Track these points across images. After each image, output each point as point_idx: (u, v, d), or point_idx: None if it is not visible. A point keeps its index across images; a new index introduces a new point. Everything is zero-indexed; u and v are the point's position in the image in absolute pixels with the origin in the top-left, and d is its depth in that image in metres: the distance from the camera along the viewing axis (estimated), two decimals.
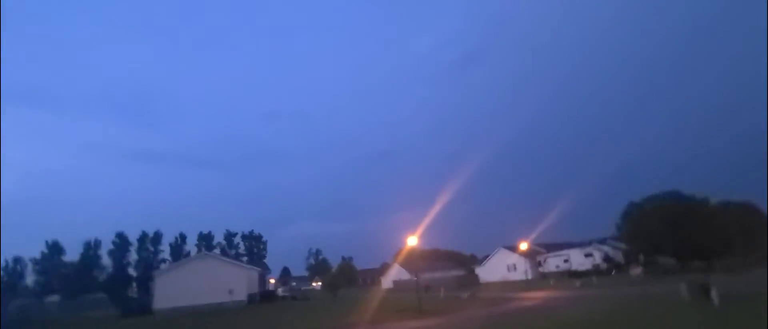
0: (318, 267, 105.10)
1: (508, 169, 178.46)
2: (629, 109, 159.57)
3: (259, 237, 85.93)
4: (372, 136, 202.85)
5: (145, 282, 59.52)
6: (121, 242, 70.48)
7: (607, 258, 40.69)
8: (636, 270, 18.88)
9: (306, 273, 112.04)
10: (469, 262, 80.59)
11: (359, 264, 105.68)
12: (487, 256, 59.24)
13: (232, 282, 31.46)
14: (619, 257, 41.84)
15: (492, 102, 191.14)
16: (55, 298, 59.29)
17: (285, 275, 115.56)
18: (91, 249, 66.94)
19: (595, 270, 39.56)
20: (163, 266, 65.08)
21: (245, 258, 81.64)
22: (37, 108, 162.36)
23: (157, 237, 73.73)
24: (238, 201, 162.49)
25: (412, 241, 24.90)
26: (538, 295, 29.63)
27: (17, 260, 68.41)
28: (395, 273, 71.79)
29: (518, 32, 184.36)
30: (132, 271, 69.15)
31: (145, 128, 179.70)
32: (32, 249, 72.28)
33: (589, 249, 42.91)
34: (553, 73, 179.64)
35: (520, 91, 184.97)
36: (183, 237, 76.15)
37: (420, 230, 26.96)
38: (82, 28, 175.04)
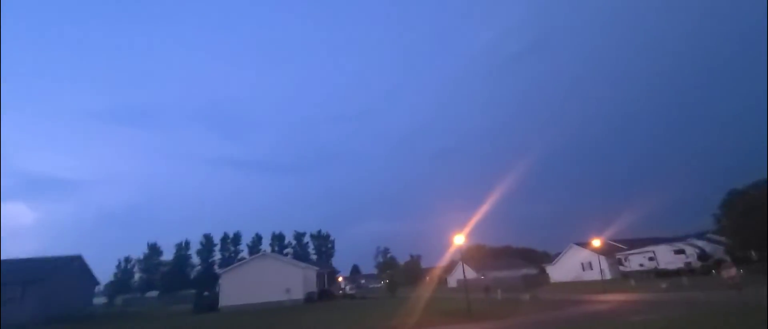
0: (386, 265, 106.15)
1: (585, 161, 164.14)
2: (723, 88, 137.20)
3: (327, 236, 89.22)
4: (437, 132, 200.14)
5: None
6: (207, 242, 78.04)
7: (702, 256, 34.76)
8: (729, 271, 15.48)
9: (375, 271, 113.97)
10: (542, 260, 75.22)
11: (428, 262, 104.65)
12: (559, 254, 54.51)
13: (288, 281, 32.86)
14: (719, 254, 35.54)
15: (559, 92, 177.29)
16: (154, 293, 67.48)
17: (355, 273, 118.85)
18: (182, 250, 75.17)
19: (688, 270, 34.08)
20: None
21: (315, 257, 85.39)
22: (139, 126, 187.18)
23: (237, 238, 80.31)
24: (310, 202, 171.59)
25: (459, 240, 23.47)
26: (611, 299, 26.27)
27: (127, 260, 78.94)
28: (460, 271, 69.74)
29: (582, 18, 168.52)
30: (217, 269, 76.35)
31: (228, 138, 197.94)
32: (140, 250, 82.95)
33: (679, 245, 37.02)
34: (624, 56, 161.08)
35: (589, 78, 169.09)
36: (259, 238, 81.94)
37: (468, 228, 25.39)
38: (169, 52, 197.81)
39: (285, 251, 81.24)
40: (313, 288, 36.04)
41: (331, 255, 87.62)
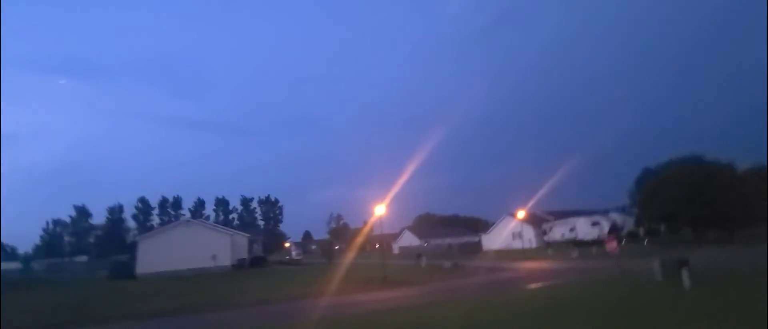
0: (339, 231, 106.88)
1: (535, 134, 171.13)
2: (656, 73, 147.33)
3: (276, 202, 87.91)
4: (399, 101, 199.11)
5: None
6: (144, 206, 74.21)
7: (613, 228, 37.76)
8: (611, 244, 16.68)
9: (327, 237, 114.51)
10: (484, 229, 78.97)
11: (382, 229, 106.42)
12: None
13: (216, 248, 31.96)
14: (630, 226, 38.80)
15: (519, 66, 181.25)
16: (83, 258, 63.77)
17: (306, 239, 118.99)
18: (114, 213, 71.03)
19: (601, 240, 36.95)
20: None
21: (262, 223, 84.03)
22: (72, 78, 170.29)
23: (177, 202, 77.02)
24: (263, 166, 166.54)
25: (380, 210, 23.58)
26: (526, 266, 28.00)
27: (56, 222, 73.54)
28: (405, 239, 71.78)
29: None
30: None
31: (175, 96, 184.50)
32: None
33: (596, 218, 40.03)
34: (579, 35, 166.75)
35: (548, 54, 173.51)
36: (202, 202, 79.11)
37: (388, 198, 25.58)
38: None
39: (230, 216, 79.26)
40: (244, 254, 35.43)
41: (279, 221, 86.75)
